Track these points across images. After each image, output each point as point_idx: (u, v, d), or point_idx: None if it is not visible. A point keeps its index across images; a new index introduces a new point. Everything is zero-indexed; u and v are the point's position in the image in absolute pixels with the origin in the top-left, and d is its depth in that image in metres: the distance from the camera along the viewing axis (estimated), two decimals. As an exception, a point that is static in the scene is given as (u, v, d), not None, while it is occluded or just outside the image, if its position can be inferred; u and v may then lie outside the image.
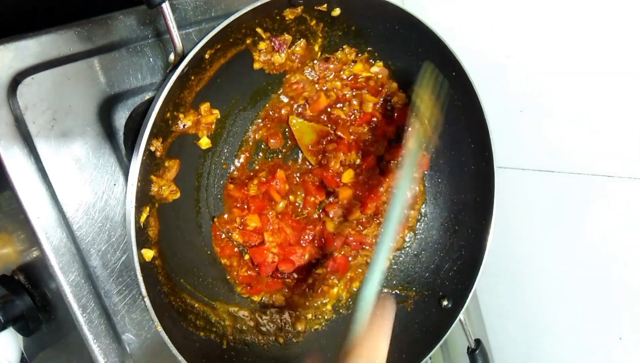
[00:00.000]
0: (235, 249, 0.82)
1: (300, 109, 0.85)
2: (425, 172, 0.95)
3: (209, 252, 0.79)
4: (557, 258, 0.98)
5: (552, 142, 0.91)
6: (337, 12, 0.76)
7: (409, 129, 0.80)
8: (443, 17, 0.94)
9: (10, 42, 0.59)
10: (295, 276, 0.87)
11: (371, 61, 0.86)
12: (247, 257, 0.83)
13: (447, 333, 0.84)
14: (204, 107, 0.73)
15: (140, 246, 0.61)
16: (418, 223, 0.96)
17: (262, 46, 0.74)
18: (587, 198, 0.89)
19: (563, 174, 0.91)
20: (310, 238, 0.87)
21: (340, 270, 0.89)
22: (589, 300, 0.95)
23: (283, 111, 0.83)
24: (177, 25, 0.60)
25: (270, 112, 0.82)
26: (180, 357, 0.64)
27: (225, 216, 0.81)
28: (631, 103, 0.80)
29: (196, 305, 0.75)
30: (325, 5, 0.74)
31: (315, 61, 0.82)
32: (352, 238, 0.89)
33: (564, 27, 0.83)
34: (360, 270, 0.92)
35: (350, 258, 0.91)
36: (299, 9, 0.73)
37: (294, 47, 0.78)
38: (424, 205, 0.96)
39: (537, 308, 1.06)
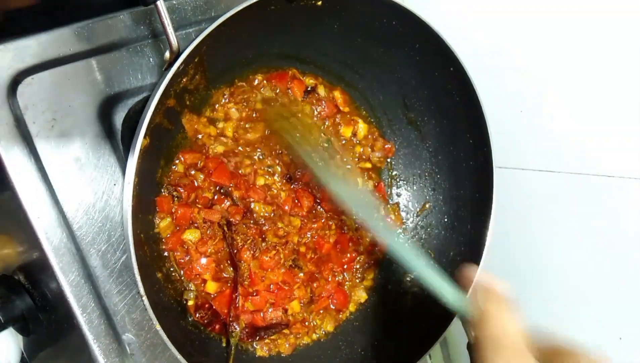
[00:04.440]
0: None
1: None
2: (390, 160, 0.95)
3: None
4: (556, 258, 0.98)
5: (552, 142, 0.91)
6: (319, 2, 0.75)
7: None
8: (441, 13, 0.94)
9: (10, 42, 0.60)
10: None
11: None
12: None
13: (447, 330, 0.84)
14: None
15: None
16: (418, 218, 0.96)
17: None
18: (587, 198, 0.89)
19: (563, 174, 0.91)
20: None
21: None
22: (589, 300, 0.95)
23: None
24: (177, 25, 0.60)
25: None
26: (179, 356, 0.64)
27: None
28: (631, 103, 0.80)
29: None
30: (321, 2, 0.74)
31: None
32: None
33: (565, 27, 0.83)
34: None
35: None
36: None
37: None
38: (427, 204, 0.96)
39: (537, 308, 1.06)
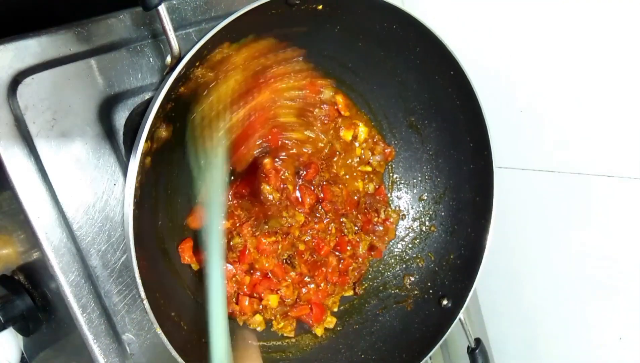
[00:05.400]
0: None
1: None
2: (390, 163, 0.96)
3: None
4: (557, 258, 0.98)
5: (552, 142, 0.91)
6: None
7: None
8: (442, 17, 0.94)
9: (10, 42, 0.59)
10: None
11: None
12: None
13: (447, 333, 0.84)
14: None
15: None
16: (416, 222, 0.96)
17: None
18: (587, 198, 0.89)
19: (563, 174, 0.91)
20: None
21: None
22: (589, 300, 0.95)
23: None
24: (177, 25, 0.60)
25: None
26: (179, 359, 0.64)
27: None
28: (631, 103, 0.80)
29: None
30: (322, 6, 0.74)
31: None
32: None
33: (565, 27, 0.83)
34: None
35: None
36: None
37: None
38: (427, 207, 0.96)
39: (537, 308, 1.06)
